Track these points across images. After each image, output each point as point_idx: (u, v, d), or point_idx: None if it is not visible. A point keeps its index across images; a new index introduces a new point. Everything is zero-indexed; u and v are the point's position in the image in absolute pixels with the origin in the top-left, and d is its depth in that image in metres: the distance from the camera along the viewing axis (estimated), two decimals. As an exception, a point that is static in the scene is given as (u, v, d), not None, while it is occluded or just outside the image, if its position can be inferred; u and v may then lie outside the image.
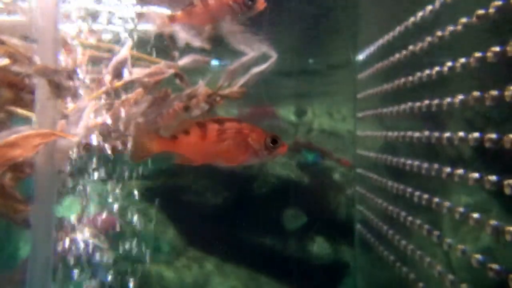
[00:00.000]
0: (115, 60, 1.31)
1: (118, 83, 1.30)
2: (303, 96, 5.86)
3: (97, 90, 1.28)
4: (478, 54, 1.41)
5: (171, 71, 1.40)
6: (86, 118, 1.14)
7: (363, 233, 2.85)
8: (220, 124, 1.23)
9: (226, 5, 1.45)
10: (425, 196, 1.79)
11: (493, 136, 1.30)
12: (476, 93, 1.42)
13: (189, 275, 5.12)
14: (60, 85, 1.09)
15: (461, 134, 1.51)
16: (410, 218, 1.95)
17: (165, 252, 5.24)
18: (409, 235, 2.06)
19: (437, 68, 1.73)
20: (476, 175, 1.40)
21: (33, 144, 1.06)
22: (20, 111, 1.34)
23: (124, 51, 1.31)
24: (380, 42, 2.50)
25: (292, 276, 5.23)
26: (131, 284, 2.92)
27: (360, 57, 2.96)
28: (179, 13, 1.49)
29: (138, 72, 1.34)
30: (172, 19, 1.48)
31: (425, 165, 1.78)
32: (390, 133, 2.27)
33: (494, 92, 1.28)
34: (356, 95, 3.02)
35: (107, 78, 1.28)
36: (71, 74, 1.15)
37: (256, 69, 2.32)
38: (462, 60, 1.51)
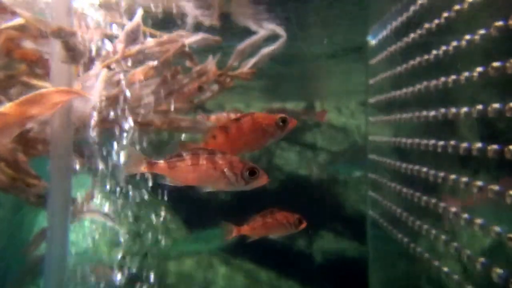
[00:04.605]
0: (128, 28, 1.30)
1: (130, 51, 1.29)
2: (311, 87, 5.81)
3: (110, 58, 1.27)
4: (499, 23, 1.37)
5: (183, 40, 1.38)
6: (101, 84, 1.13)
7: (375, 218, 2.82)
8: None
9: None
10: (440, 174, 1.75)
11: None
12: (496, 64, 1.38)
13: (198, 271, 5.12)
14: (75, 48, 1.09)
15: (479, 107, 1.47)
16: (425, 198, 1.92)
17: (174, 248, 5.23)
18: (424, 216, 2.02)
19: (454, 43, 1.69)
20: (495, 146, 1.36)
21: (51, 102, 1.05)
22: (34, 81, 1.34)
23: (136, 19, 1.30)
24: (393, 24, 2.45)
25: (300, 272, 5.19)
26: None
27: (372, 41, 2.92)
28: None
29: (150, 41, 1.33)
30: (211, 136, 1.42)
31: (441, 143, 1.74)
32: (404, 115, 2.23)
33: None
34: (368, 81, 2.99)
35: (120, 46, 1.27)
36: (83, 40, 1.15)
37: (265, 50, 2.29)
38: (482, 31, 1.47)
